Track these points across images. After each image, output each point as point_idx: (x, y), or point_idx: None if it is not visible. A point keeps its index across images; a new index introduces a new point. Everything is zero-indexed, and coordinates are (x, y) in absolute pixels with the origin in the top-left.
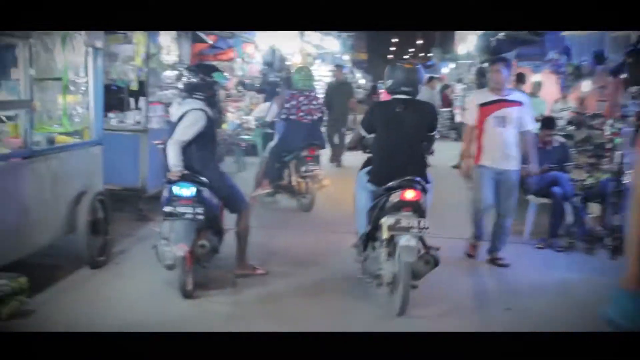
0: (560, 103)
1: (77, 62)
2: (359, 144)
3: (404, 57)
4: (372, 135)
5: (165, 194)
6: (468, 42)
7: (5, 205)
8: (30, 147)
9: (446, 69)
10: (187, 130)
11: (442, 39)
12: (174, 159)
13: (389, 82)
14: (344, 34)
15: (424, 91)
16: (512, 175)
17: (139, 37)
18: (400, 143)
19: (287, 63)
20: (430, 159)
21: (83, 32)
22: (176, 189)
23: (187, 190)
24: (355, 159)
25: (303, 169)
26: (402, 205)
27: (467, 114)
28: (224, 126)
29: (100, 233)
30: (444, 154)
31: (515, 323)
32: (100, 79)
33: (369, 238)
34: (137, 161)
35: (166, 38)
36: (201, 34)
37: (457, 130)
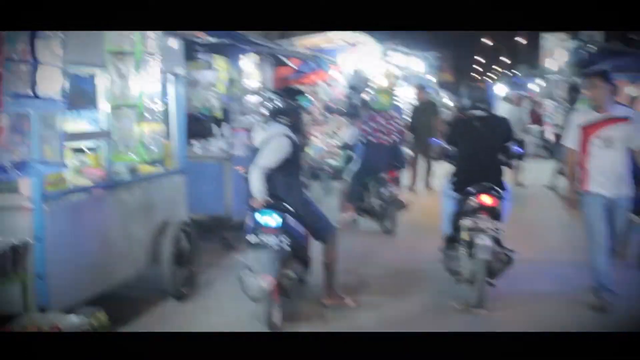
0: None
1: (152, 88)
2: (442, 155)
3: (489, 74)
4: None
5: (248, 222)
6: (557, 56)
7: (87, 238)
8: (111, 177)
9: (534, 85)
10: (272, 156)
11: (528, 55)
12: (257, 186)
13: (466, 101)
14: (430, 55)
15: (511, 109)
16: (624, 203)
17: (220, 63)
18: (478, 154)
19: (371, 85)
20: (523, 179)
21: (160, 58)
22: (261, 218)
23: (272, 220)
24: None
25: (383, 191)
26: (479, 209)
27: (567, 136)
28: (308, 151)
29: (185, 264)
30: (535, 173)
31: None
32: (182, 107)
33: (452, 240)
34: (221, 189)
35: (248, 63)
36: (283, 57)
37: (547, 148)
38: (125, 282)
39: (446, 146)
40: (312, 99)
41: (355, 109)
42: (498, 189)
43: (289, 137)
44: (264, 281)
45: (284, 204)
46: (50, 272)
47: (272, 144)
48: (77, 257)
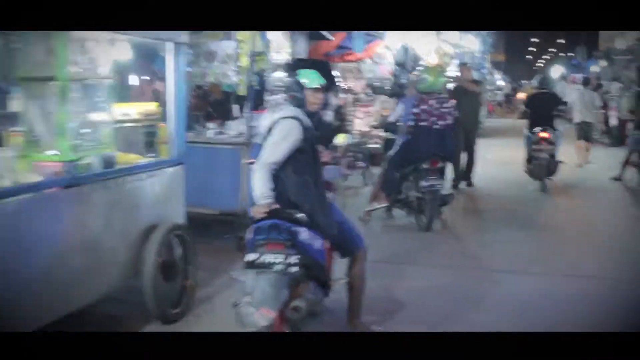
0: None
1: (91, 57)
2: (523, 115)
3: (544, 57)
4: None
5: (248, 235)
6: (627, 36)
7: (38, 250)
8: (73, 172)
9: (596, 67)
10: (277, 147)
11: (587, 38)
12: (260, 187)
13: (535, 83)
14: (484, 32)
15: (581, 92)
16: None
17: (244, 32)
18: (541, 110)
19: (421, 63)
20: (588, 170)
21: None
22: (263, 231)
23: (278, 233)
24: (487, 177)
25: (423, 183)
26: (539, 139)
27: None
28: (341, 139)
29: (176, 278)
30: (600, 163)
31: None
32: (182, 83)
33: (529, 158)
34: (237, 180)
35: (276, 34)
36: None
37: (610, 135)
38: (98, 300)
39: (524, 108)
40: (354, 76)
41: (402, 88)
42: (551, 129)
43: (299, 120)
44: (264, 317)
45: (297, 211)
46: None
47: (276, 132)
48: (12, 280)
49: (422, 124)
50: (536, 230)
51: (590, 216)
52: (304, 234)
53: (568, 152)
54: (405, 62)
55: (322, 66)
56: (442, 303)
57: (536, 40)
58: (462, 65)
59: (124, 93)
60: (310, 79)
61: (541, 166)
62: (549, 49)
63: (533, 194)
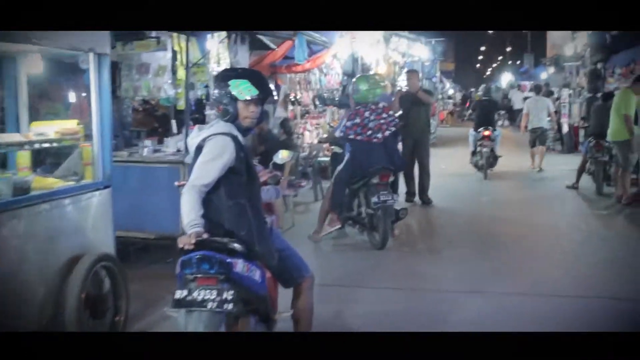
0: None
1: None
2: (471, 116)
3: (493, 65)
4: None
5: (177, 269)
6: (577, 42)
7: None
8: None
9: (545, 74)
10: (207, 167)
11: (533, 44)
12: (188, 213)
13: (480, 94)
14: (433, 40)
15: (541, 101)
16: None
17: (180, 42)
18: (484, 114)
19: (371, 73)
20: (544, 177)
21: None
22: (192, 264)
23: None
24: (441, 188)
25: (374, 199)
26: (482, 137)
27: None
28: (284, 155)
29: (104, 314)
30: (553, 169)
31: None
32: (106, 97)
33: (474, 152)
34: (175, 202)
35: (215, 44)
36: (264, 38)
37: (562, 141)
38: None
39: (470, 111)
40: (303, 87)
41: (348, 98)
42: (492, 128)
43: (231, 137)
44: None
45: (231, 240)
46: None
47: (206, 150)
48: None
49: (358, 137)
50: (493, 246)
51: (548, 229)
52: (239, 265)
53: (525, 158)
54: (354, 72)
55: (254, 75)
56: (399, 329)
57: (484, 48)
58: (410, 72)
59: (58, 110)
60: (241, 90)
61: (484, 159)
62: (498, 57)
63: (488, 204)
